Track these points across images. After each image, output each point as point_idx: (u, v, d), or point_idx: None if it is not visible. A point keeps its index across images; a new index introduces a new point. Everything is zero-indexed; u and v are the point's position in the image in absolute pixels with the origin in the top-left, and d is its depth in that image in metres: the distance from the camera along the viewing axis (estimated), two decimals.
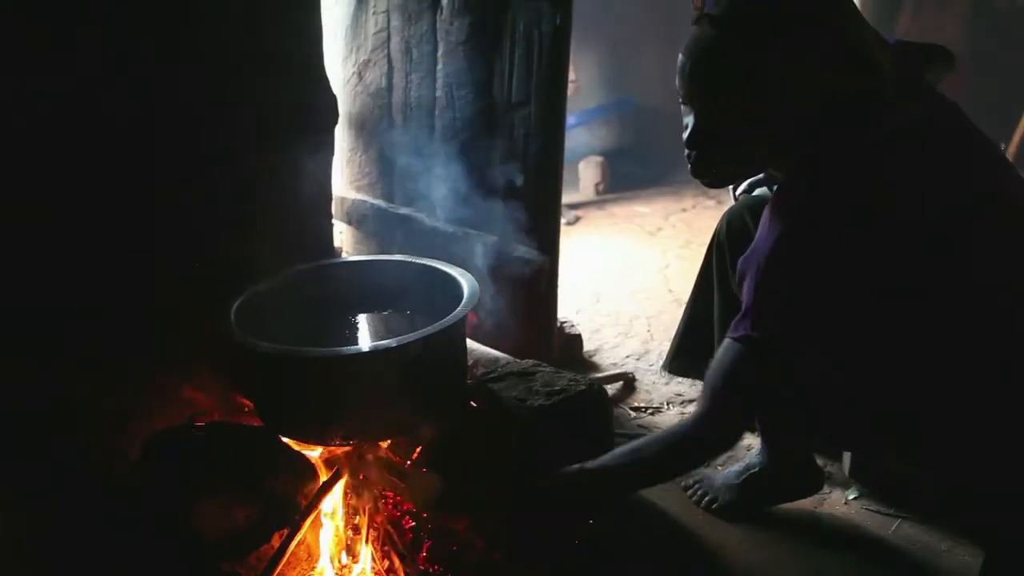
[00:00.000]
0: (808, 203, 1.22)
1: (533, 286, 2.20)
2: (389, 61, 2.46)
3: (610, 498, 1.62)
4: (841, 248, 1.18)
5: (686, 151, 1.34)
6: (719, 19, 1.22)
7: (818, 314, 1.23)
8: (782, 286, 1.22)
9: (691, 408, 2.20)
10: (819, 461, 1.78)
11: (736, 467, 1.78)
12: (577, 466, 1.43)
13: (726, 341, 1.28)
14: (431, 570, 1.45)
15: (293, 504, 1.44)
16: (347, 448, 1.60)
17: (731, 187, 1.85)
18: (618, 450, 1.46)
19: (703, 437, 1.35)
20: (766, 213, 1.26)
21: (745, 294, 1.26)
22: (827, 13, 1.19)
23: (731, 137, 1.29)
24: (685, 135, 1.33)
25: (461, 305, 1.55)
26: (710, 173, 1.37)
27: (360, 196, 2.67)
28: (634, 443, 1.43)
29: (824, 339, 1.26)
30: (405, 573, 1.45)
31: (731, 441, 1.40)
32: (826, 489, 1.76)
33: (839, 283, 1.19)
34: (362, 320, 1.81)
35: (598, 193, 4.77)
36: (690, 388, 2.29)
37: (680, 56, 1.27)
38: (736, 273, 1.31)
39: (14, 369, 1.38)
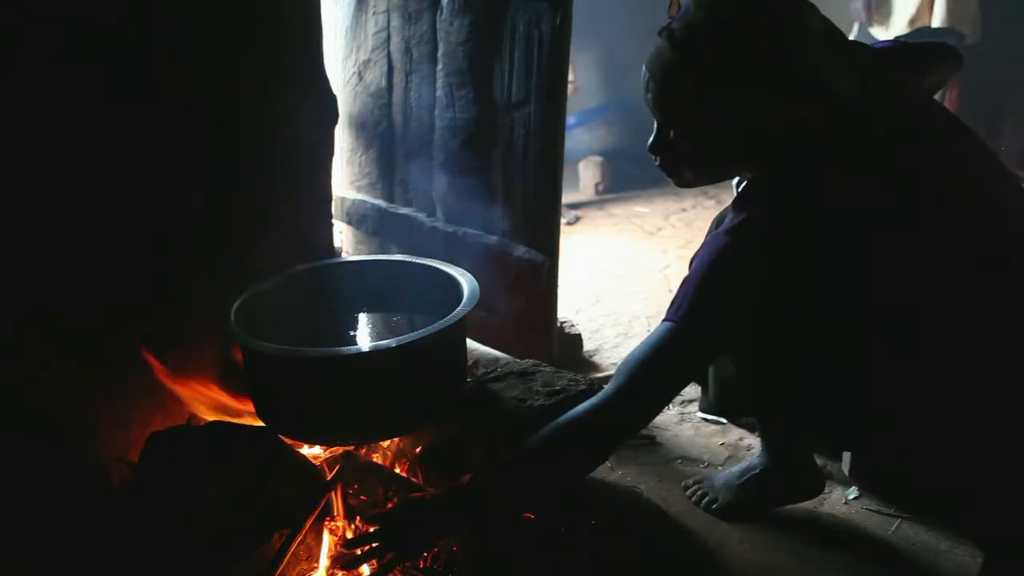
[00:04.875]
0: (759, 216, 1.24)
1: (533, 286, 2.20)
2: (389, 61, 2.46)
3: (530, 499, 1.45)
4: (790, 260, 1.21)
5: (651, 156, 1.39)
6: (676, 38, 1.24)
7: (746, 317, 1.26)
8: (715, 286, 1.24)
9: (691, 408, 2.20)
10: (819, 461, 1.79)
11: (737, 468, 1.79)
12: (470, 477, 1.31)
13: (661, 322, 1.29)
14: (433, 569, 1.45)
15: (293, 504, 1.44)
16: (347, 448, 1.60)
17: (734, 182, 1.86)
18: (522, 447, 1.29)
19: (616, 410, 1.26)
20: (730, 210, 1.28)
21: (684, 280, 1.28)
22: (782, 36, 1.19)
23: (687, 148, 1.33)
24: (650, 139, 1.37)
25: (461, 305, 1.55)
26: (678, 177, 1.41)
27: (360, 196, 2.67)
28: (536, 438, 1.28)
29: (762, 337, 1.29)
30: (405, 574, 1.45)
31: (641, 417, 1.31)
32: (826, 489, 1.76)
33: (791, 287, 1.22)
34: (362, 320, 1.81)
35: (598, 193, 4.77)
36: (690, 388, 2.28)
37: (643, 67, 1.31)
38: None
39: (13, 369, 1.38)
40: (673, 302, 1.27)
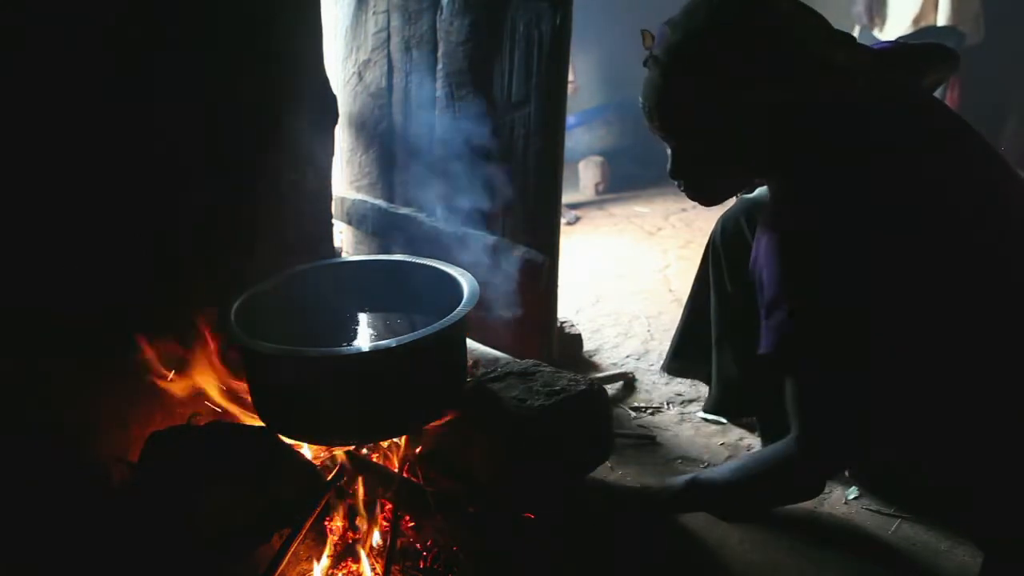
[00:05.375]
0: (795, 222, 1.24)
1: (533, 286, 2.20)
2: (389, 61, 2.46)
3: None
4: (788, 260, 1.21)
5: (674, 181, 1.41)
6: (661, 61, 1.27)
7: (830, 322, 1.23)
8: (794, 302, 1.23)
9: (691, 408, 2.20)
10: None
11: None
12: (686, 478, 1.50)
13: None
14: (433, 569, 1.45)
15: (293, 504, 1.44)
16: (347, 448, 1.60)
17: None
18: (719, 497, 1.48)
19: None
20: (761, 232, 1.28)
21: (784, 323, 1.25)
22: (763, 42, 1.20)
23: (705, 165, 1.35)
24: (668, 167, 1.39)
25: (461, 305, 1.55)
26: (702, 196, 1.43)
27: (360, 196, 2.67)
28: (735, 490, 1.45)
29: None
30: (405, 574, 1.45)
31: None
32: (826, 489, 1.76)
33: (790, 287, 1.22)
34: (362, 320, 1.81)
35: (598, 193, 4.77)
36: (690, 388, 2.29)
37: (640, 99, 1.34)
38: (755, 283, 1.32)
39: (13, 370, 1.38)
40: (791, 344, 1.25)
